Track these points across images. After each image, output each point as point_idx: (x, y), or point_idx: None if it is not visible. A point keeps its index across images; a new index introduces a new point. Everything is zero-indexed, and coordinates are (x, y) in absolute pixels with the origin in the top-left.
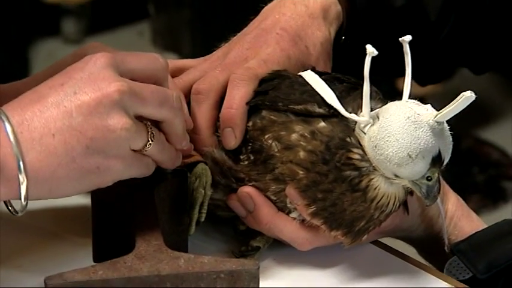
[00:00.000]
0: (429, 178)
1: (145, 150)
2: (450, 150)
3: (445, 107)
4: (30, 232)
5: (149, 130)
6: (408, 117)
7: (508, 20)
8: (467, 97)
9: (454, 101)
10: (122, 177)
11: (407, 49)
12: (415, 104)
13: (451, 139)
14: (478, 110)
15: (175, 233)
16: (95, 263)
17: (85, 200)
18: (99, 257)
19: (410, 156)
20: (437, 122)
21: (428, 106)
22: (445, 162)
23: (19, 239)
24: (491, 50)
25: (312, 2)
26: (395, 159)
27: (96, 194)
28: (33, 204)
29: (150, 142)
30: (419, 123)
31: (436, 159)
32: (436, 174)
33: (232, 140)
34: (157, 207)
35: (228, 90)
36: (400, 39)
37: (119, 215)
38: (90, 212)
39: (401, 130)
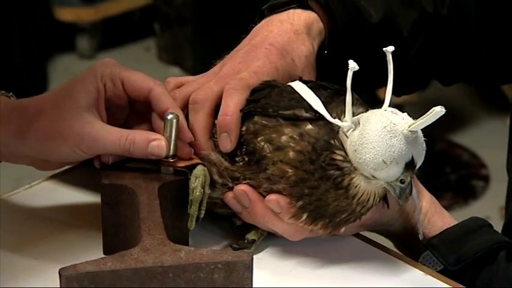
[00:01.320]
0: (402, 181)
1: None
2: (423, 156)
3: (418, 119)
4: (47, 226)
5: None
6: (385, 127)
7: (472, 36)
8: (437, 111)
9: (426, 114)
10: None
11: (390, 58)
12: (392, 113)
13: (424, 146)
14: (450, 116)
15: (177, 228)
16: (104, 255)
17: (97, 199)
18: (108, 249)
19: (385, 162)
20: (411, 131)
21: (405, 115)
22: (417, 167)
23: (37, 233)
24: (458, 64)
25: (297, 19)
26: (372, 164)
27: (106, 193)
28: (51, 200)
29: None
30: (394, 132)
31: (409, 165)
32: (409, 178)
33: (228, 144)
34: (161, 204)
35: (223, 99)
36: (384, 49)
37: (126, 212)
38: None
39: (377, 138)
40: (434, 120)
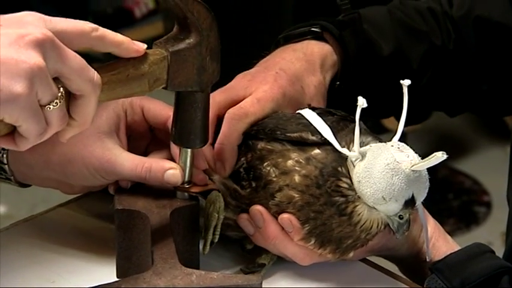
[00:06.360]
0: (401, 217)
1: (49, 108)
2: (425, 193)
3: (421, 161)
4: (62, 250)
5: (60, 91)
6: (388, 164)
7: (473, 72)
8: (438, 157)
9: (428, 158)
10: (11, 120)
11: (405, 91)
12: (399, 149)
13: (427, 183)
14: (453, 143)
15: (188, 252)
16: (118, 279)
17: (111, 223)
18: (122, 273)
19: (384, 199)
20: (413, 171)
21: (410, 152)
22: (417, 204)
23: (52, 256)
24: (462, 97)
25: (310, 50)
26: (372, 199)
27: (119, 218)
28: (66, 225)
29: (57, 102)
30: (396, 171)
31: (409, 202)
32: (408, 214)
33: (222, 172)
34: (173, 229)
35: (222, 126)
36: (401, 81)
37: (139, 237)
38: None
39: (379, 175)
40: (435, 163)
